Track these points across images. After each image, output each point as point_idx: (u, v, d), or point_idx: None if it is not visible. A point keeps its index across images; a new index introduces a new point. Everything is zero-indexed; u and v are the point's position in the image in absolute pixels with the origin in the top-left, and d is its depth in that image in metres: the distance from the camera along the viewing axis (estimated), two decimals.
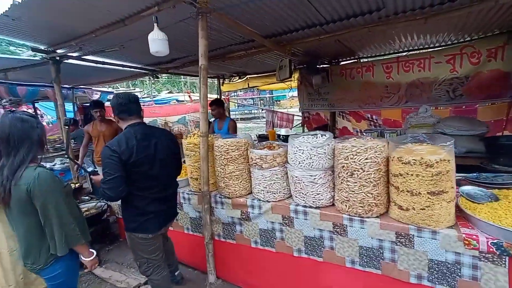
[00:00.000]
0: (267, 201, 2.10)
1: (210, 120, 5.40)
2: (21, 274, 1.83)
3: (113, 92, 7.96)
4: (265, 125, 10.00)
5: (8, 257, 1.78)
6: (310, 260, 1.99)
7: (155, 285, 2.08)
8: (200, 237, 2.52)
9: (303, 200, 1.94)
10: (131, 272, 2.70)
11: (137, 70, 4.78)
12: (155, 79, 5.22)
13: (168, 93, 14.53)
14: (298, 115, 10.22)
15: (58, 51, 3.36)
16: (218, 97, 5.65)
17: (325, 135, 1.91)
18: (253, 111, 20.63)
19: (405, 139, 1.70)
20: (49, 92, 5.74)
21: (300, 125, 9.08)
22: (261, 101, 18.07)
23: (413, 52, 3.97)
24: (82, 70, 4.40)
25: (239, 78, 6.40)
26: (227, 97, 8.51)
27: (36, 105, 7.48)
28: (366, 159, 1.61)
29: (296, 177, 1.92)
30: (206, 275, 2.54)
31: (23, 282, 1.84)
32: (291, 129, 8.92)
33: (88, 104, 7.09)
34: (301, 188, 1.92)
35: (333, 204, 1.90)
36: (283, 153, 2.07)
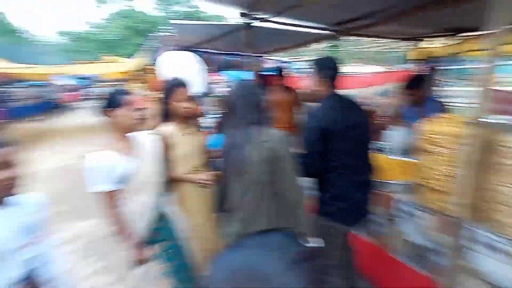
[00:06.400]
0: None
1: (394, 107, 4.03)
2: None
3: (278, 61, 7.99)
4: (459, 107, 7.28)
5: None
6: None
7: None
8: (423, 276, 1.66)
9: None
10: None
11: (319, 32, 4.14)
12: (337, 41, 4.43)
13: None
14: None
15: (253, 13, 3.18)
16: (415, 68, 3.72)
17: None
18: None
19: None
20: (237, 62, 6.30)
21: None
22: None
23: None
24: (263, 37, 4.26)
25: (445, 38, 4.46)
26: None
27: (225, 73, 8.57)
28: None
29: None
30: None
31: None
32: None
33: (264, 73, 7.46)
34: None
35: None
36: None
